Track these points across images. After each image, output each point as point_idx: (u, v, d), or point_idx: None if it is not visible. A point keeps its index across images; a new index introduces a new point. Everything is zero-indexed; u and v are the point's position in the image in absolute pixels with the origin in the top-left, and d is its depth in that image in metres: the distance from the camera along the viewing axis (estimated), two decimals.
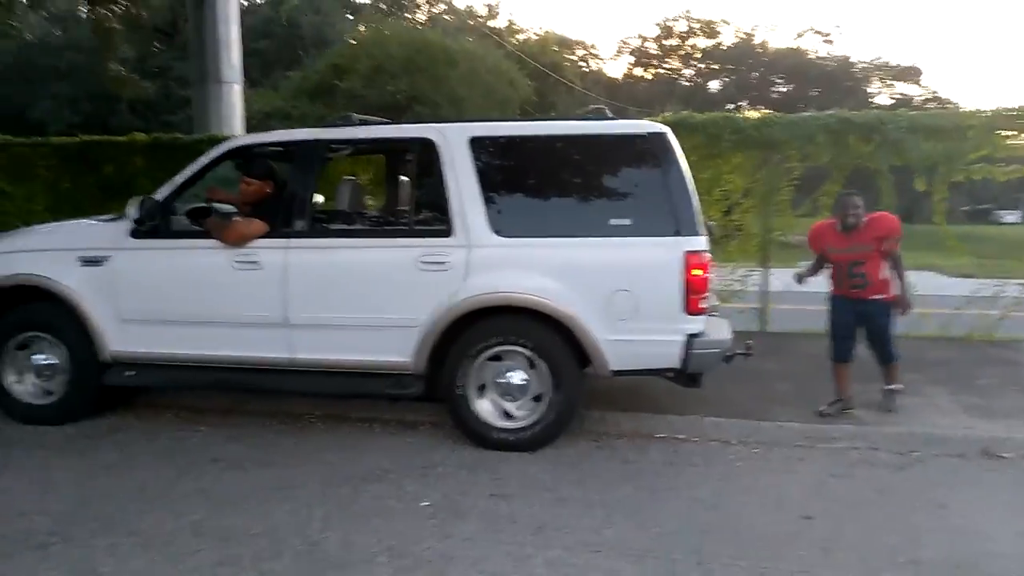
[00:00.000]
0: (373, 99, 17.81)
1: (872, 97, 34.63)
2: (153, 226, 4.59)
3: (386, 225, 5.02)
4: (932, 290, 8.58)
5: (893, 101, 33.66)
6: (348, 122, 4.74)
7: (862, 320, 4.87)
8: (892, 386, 4.92)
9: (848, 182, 7.75)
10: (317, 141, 4.66)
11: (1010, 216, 50.13)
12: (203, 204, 4.79)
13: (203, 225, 4.65)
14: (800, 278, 5.09)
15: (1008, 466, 4.21)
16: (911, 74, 35.62)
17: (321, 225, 4.78)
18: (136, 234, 4.61)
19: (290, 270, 4.43)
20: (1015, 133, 7.33)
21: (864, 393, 4.99)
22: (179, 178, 4.70)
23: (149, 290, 4.62)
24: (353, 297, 4.40)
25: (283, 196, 4.61)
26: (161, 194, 4.63)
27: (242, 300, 4.51)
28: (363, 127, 4.74)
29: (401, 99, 18.88)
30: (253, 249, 4.48)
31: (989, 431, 4.53)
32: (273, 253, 4.47)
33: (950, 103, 32.84)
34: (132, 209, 4.57)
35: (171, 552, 3.16)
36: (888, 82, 36.00)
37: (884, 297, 4.81)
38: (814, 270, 5.11)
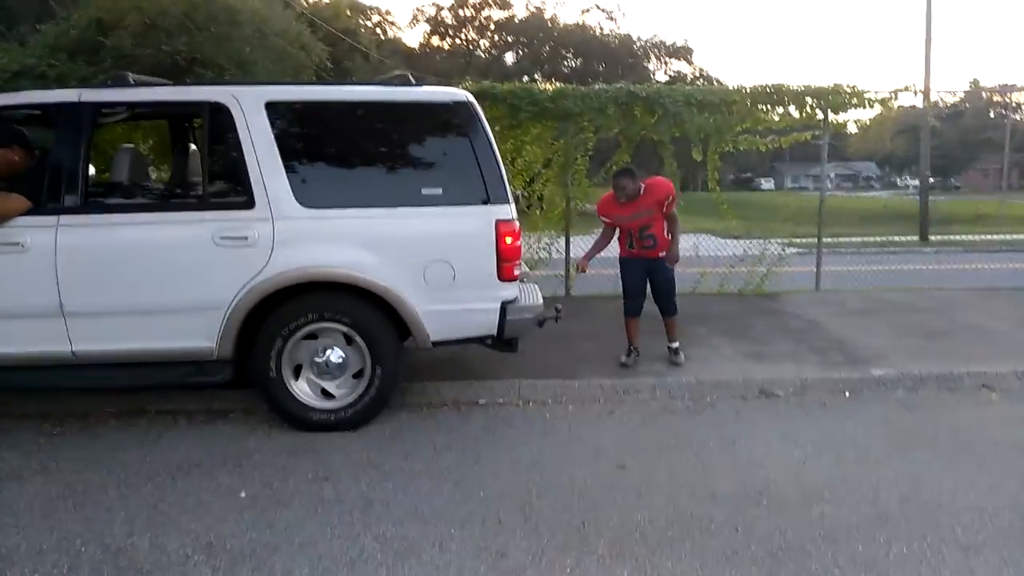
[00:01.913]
0: (147, 60, 15.99)
1: (652, 74, 37.34)
2: None
3: (175, 198, 4.57)
4: (709, 251, 9.54)
5: (668, 78, 36.56)
6: (122, 82, 4.20)
7: (651, 277, 5.28)
8: (674, 344, 5.39)
9: (636, 152, 8.35)
10: (84, 104, 4.09)
11: (766, 183, 57.01)
12: None
13: None
14: (581, 267, 5.33)
15: (781, 403, 4.81)
16: (684, 53, 38.81)
17: (97, 200, 4.23)
18: None
19: (62, 251, 3.91)
20: (770, 108, 8.28)
21: (656, 347, 5.44)
22: None
23: None
24: (141, 279, 3.98)
25: (46, 167, 4.02)
26: None
27: (2, 288, 3.90)
28: (141, 88, 4.23)
29: (180, 60, 17.18)
30: (14, 228, 3.89)
31: (764, 374, 5.12)
32: (40, 232, 3.91)
33: (718, 81, 36.27)
34: None
35: None
36: (664, 60, 38.96)
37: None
38: (600, 247, 5.41)
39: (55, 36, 18.31)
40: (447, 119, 4.29)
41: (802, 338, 6.11)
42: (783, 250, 9.08)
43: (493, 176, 4.23)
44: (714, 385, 4.94)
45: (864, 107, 8.48)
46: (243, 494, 3.45)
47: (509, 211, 4.24)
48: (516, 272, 4.30)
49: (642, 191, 5.12)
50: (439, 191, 4.19)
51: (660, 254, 5.22)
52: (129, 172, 4.33)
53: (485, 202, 4.20)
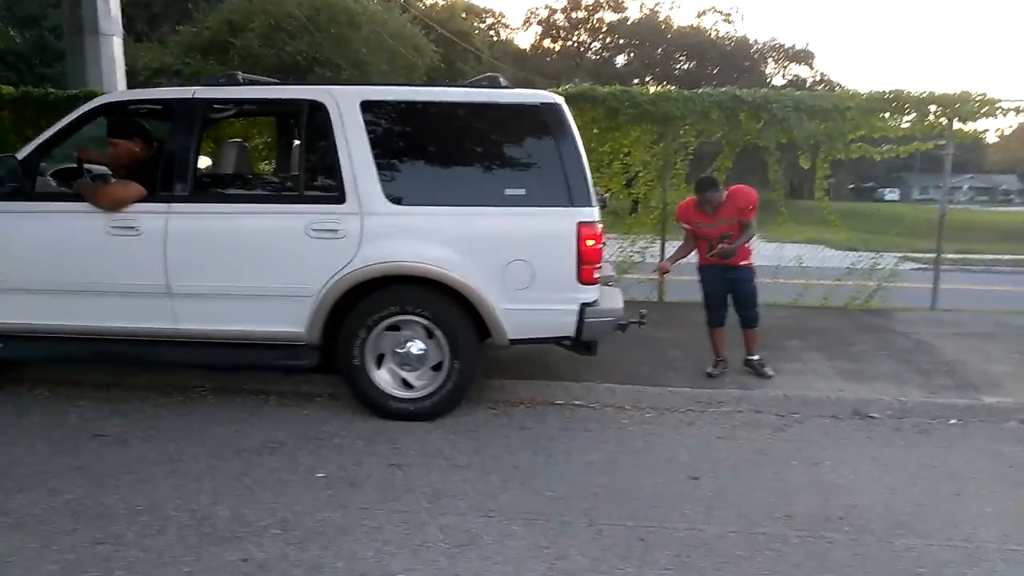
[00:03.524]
0: (271, 59, 17.01)
1: (769, 78, 36.05)
2: (13, 187, 4.23)
3: (274, 191, 4.81)
4: (818, 262, 9.09)
5: (786, 82, 35.19)
6: (232, 81, 4.46)
7: (731, 287, 5.12)
8: (754, 357, 5.20)
9: (739, 158, 8.07)
10: (197, 100, 4.37)
11: (891, 194, 53.71)
12: (73, 165, 4.45)
13: (72, 187, 4.32)
14: (663, 269, 5.35)
15: (876, 425, 4.53)
16: (804, 57, 37.28)
17: (204, 190, 4.52)
18: None
19: (171, 236, 4.19)
20: (889, 115, 7.80)
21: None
22: (44, 136, 4.33)
23: (10, 256, 4.27)
24: (240, 265, 4.22)
25: (161, 158, 4.33)
26: (23, 153, 4.26)
27: (119, 268, 4.24)
28: (247, 87, 4.48)
29: (301, 60, 18.10)
30: (130, 214, 4.21)
31: (860, 393, 4.85)
32: (152, 218, 4.21)
33: (839, 86, 34.56)
34: None
35: (44, 533, 2.96)
36: (783, 63, 37.55)
37: (748, 263, 5.12)
38: (684, 253, 5.30)
39: (191, 37, 19.78)
40: (535, 121, 4.29)
41: (908, 358, 5.73)
42: (897, 265, 8.52)
43: (577, 178, 4.20)
44: (803, 402, 4.71)
45: (995, 116, 7.85)
46: (320, 474, 3.60)
47: (592, 213, 4.20)
48: (596, 275, 4.25)
49: (724, 199, 4.98)
50: (522, 191, 4.20)
51: (740, 263, 5.06)
52: (235, 165, 4.60)
53: (568, 204, 4.17)
